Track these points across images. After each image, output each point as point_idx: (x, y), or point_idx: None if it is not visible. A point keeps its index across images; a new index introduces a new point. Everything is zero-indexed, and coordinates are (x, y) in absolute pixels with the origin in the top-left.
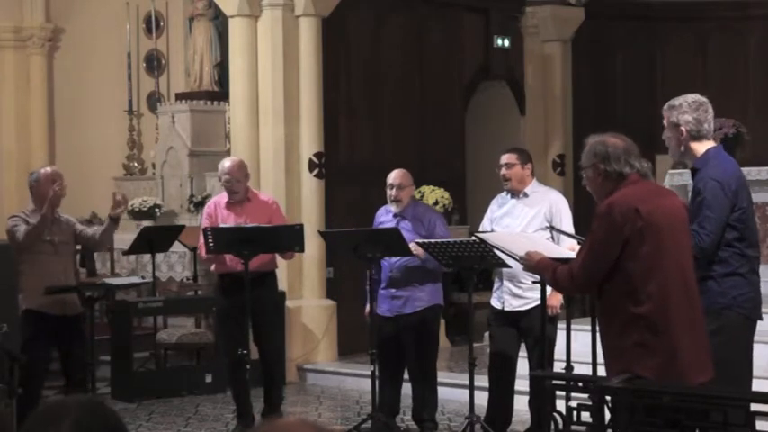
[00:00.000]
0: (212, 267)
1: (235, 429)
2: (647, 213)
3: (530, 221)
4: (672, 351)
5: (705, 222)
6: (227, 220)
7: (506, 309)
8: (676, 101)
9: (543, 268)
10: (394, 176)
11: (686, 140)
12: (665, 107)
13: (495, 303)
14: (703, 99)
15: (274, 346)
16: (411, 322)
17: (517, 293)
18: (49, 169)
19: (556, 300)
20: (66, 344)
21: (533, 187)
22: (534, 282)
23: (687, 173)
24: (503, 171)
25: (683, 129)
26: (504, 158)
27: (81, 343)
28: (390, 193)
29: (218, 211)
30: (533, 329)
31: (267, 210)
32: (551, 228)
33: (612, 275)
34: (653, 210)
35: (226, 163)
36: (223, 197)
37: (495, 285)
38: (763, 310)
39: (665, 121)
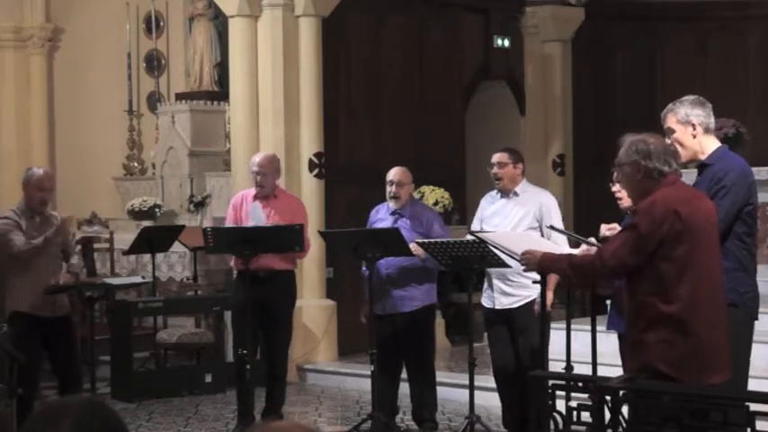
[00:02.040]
0: (231, 263)
1: (235, 429)
2: (687, 216)
3: (519, 221)
4: (695, 352)
5: (719, 210)
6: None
7: (497, 307)
8: (677, 103)
9: (551, 261)
10: (394, 173)
11: (699, 135)
12: (666, 112)
13: (485, 303)
14: (702, 98)
15: (278, 345)
16: (408, 322)
17: (507, 291)
18: (41, 172)
19: (548, 298)
20: (57, 344)
21: (523, 187)
22: (534, 282)
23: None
24: (494, 170)
25: (695, 123)
26: (496, 158)
27: (72, 343)
28: (390, 189)
29: (245, 203)
30: (524, 326)
31: (292, 208)
32: (551, 227)
33: (644, 274)
34: (691, 213)
35: (258, 155)
36: (252, 190)
37: (485, 285)
38: (761, 309)
39: (670, 125)
